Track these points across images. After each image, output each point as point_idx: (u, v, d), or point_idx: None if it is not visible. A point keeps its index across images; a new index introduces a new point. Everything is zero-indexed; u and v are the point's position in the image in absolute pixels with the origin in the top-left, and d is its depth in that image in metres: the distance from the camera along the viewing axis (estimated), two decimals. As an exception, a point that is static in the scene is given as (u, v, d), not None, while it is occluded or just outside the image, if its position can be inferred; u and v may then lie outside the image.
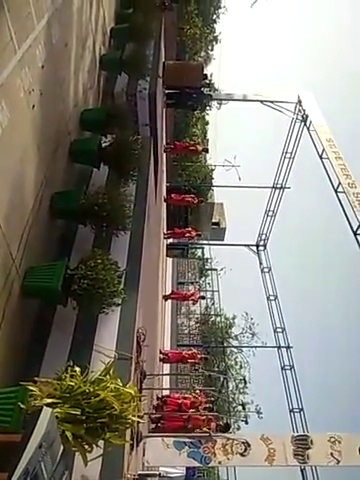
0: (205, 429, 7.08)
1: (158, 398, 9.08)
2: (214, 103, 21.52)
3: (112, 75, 9.27)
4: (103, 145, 6.59)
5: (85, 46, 7.47)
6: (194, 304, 17.29)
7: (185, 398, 9.18)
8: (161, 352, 11.84)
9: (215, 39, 27.57)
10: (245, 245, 19.28)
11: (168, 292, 15.26)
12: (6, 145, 4.12)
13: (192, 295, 15.95)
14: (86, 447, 3.32)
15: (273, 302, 16.87)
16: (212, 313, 21.74)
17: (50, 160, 5.48)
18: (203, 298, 17.10)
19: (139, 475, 5.19)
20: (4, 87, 3.96)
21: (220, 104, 23.13)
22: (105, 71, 8.99)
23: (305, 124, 13.36)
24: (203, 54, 27.28)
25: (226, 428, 7.57)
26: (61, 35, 5.71)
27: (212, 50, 28.30)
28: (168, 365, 13.16)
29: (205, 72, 15.03)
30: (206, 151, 16.93)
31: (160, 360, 11.43)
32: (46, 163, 5.32)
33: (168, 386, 12.75)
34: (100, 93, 8.75)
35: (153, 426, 7.78)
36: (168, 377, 12.84)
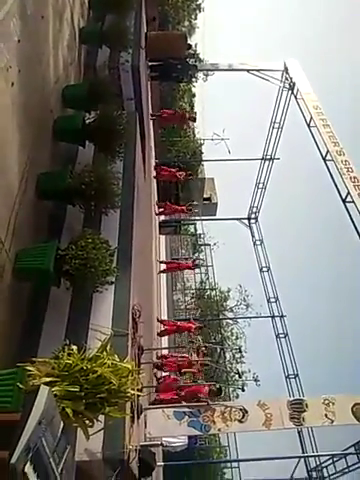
0: (200, 395, 7.26)
1: (158, 357, 9.28)
2: (200, 75, 21.05)
3: (93, 48, 8.94)
4: (87, 122, 6.44)
5: (63, 18, 7.16)
6: (193, 269, 17.14)
7: (183, 357, 9.40)
8: (158, 320, 12.00)
9: (198, 7, 26.62)
10: (237, 219, 19.31)
11: (162, 268, 15.28)
12: (-14, 126, 4.00)
13: (188, 265, 16.00)
14: (87, 422, 3.39)
15: (266, 273, 17.09)
16: (207, 287, 22.00)
17: (33, 140, 5.34)
18: (198, 266, 17.00)
19: (141, 446, 5.35)
20: (-21, 64, 3.82)
21: (206, 75, 22.65)
22: (85, 44, 8.66)
23: (292, 92, 13.14)
24: (186, 23, 26.43)
25: (218, 392, 7.77)
26: (36, 7, 5.46)
27: (195, 19, 27.40)
28: (166, 338, 13.38)
29: (189, 42, 14.59)
30: (193, 120, 16.62)
31: (158, 334, 11.61)
32: (29, 143, 5.19)
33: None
34: (81, 68, 8.47)
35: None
36: (166, 352, 13.05)
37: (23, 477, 2.28)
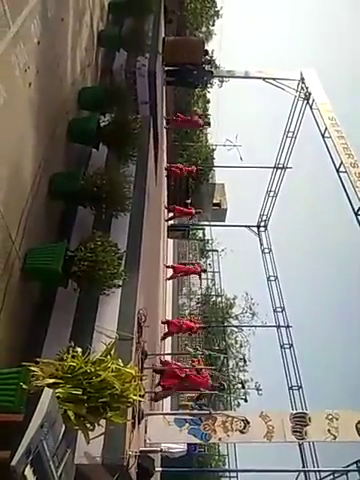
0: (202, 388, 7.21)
1: (161, 362, 9.25)
2: (215, 81, 21.09)
3: (110, 52, 9.03)
4: (102, 124, 6.48)
5: (82, 21, 7.24)
6: (199, 275, 17.06)
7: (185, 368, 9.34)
8: (163, 322, 11.96)
9: (216, 14, 26.69)
10: (246, 226, 19.23)
11: (169, 274, 15.26)
12: (3, 125, 4.04)
13: (195, 269, 15.94)
14: (88, 426, 3.38)
15: (273, 282, 16.96)
16: (213, 293, 21.90)
17: (48, 140, 5.39)
18: (205, 271, 16.94)
19: (141, 452, 5.31)
20: (-1, 64, 3.86)
21: (221, 82, 22.68)
22: (103, 47, 8.75)
23: (308, 102, 13.10)
24: (204, 29, 26.52)
25: (221, 388, 7.67)
26: (57, 9, 5.52)
27: (213, 25, 27.46)
28: (169, 342, 13.31)
29: (206, 48, 14.63)
30: (208, 125, 16.61)
31: (161, 338, 11.56)
32: (44, 143, 5.23)
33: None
34: (98, 71, 8.55)
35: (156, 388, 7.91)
36: (169, 358, 13.00)
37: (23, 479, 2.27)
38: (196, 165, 16.48)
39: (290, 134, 15.02)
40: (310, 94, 12.85)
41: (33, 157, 4.92)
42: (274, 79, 13.70)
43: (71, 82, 6.49)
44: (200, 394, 7.41)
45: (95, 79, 8.25)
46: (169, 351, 12.87)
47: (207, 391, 6.81)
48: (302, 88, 13.46)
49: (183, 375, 7.92)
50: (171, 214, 16.52)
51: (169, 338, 12.96)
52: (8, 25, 4.04)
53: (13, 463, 2.23)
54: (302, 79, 13.41)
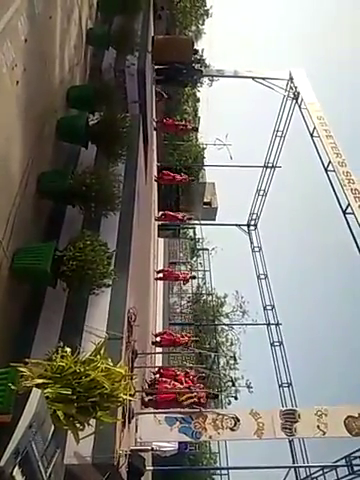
0: (196, 400, 7.21)
1: (154, 373, 9.22)
2: (205, 80, 21.13)
3: (99, 50, 8.98)
4: (90, 123, 6.44)
5: (71, 19, 7.19)
6: (184, 284, 17.44)
7: (178, 373, 9.33)
8: (155, 335, 11.95)
9: (206, 13, 26.75)
10: (236, 225, 19.31)
11: (160, 273, 15.30)
12: (-11, 123, 4.00)
13: (184, 276, 16.08)
14: (78, 425, 3.37)
15: (263, 281, 17.07)
16: (204, 292, 21.96)
17: (36, 139, 5.34)
18: (194, 278, 17.24)
19: (132, 450, 5.31)
20: (-15, 62, 3.81)
21: (211, 81, 22.73)
22: (92, 46, 8.70)
23: (296, 101, 13.19)
24: (194, 28, 26.54)
25: (215, 396, 7.67)
26: (44, 7, 5.47)
27: (203, 24, 27.52)
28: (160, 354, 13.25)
29: (195, 47, 14.64)
30: (196, 130, 16.68)
31: (152, 343, 11.52)
32: (32, 142, 5.18)
33: (160, 364, 12.94)
34: (87, 69, 8.49)
35: (147, 399, 7.88)
36: (160, 356, 13.01)
37: (11, 481, 2.26)
38: (188, 176, 16.55)
39: (279, 133, 15.11)
40: (299, 94, 12.95)
41: (21, 156, 4.88)
42: (263, 78, 13.76)
43: (59, 80, 6.44)
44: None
45: (84, 77, 8.20)
46: (159, 359, 12.75)
47: (203, 404, 6.80)
48: (291, 88, 13.55)
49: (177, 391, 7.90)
50: (163, 217, 16.55)
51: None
52: (-6, 22, 3.99)
53: (1, 464, 2.22)
54: (291, 79, 13.50)
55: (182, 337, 12.52)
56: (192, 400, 7.32)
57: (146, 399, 7.74)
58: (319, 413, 6.80)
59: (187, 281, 16.79)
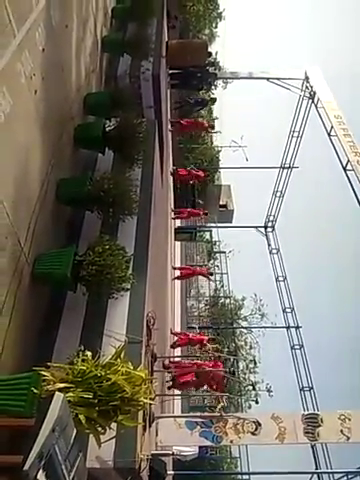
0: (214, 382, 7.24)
1: (170, 361, 9.27)
2: (220, 82, 21.09)
3: (115, 57, 9.10)
4: (107, 129, 6.52)
5: (86, 27, 7.31)
6: (207, 278, 17.24)
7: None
8: (172, 332, 12.00)
9: (219, 16, 26.76)
10: (253, 227, 19.17)
11: (177, 274, 15.27)
12: (10, 132, 4.09)
13: (202, 271, 16.03)
14: (99, 429, 3.39)
15: (282, 283, 16.87)
16: (221, 295, 21.85)
17: (55, 146, 5.44)
18: (211, 274, 17.09)
19: (152, 455, 5.31)
20: (5, 72, 3.90)
21: (226, 83, 22.68)
22: (107, 53, 8.82)
23: (313, 101, 13.04)
24: (207, 32, 26.57)
25: (232, 374, 7.70)
26: (61, 16, 5.58)
27: (216, 27, 27.52)
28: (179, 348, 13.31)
29: (209, 50, 14.64)
30: (212, 128, 16.61)
31: (171, 346, 11.57)
32: (51, 150, 5.28)
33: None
34: (103, 76, 8.61)
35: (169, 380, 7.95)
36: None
37: (36, 484, 2.29)
38: (204, 170, 16.47)
39: (296, 133, 14.97)
40: (315, 93, 12.80)
41: (40, 163, 4.97)
42: (278, 79, 13.67)
43: (76, 88, 6.55)
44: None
45: (100, 84, 8.31)
46: (179, 353, 12.85)
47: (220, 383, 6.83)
48: (307, 87, 13.41)
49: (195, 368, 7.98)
50: (178, 213, 16.51)
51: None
52: (13, 34, 4.09)
53: (26, 467, 2.25)
54: (306, 78, 13.36)
55: (199, 335, 12.52)
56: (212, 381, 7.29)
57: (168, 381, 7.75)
58: (343, 417, 6.65)
59: (209, 275, 16.66)
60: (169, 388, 8.03)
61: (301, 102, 13.99)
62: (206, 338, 11.92)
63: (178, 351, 12.95)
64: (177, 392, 9.36)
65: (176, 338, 12.05)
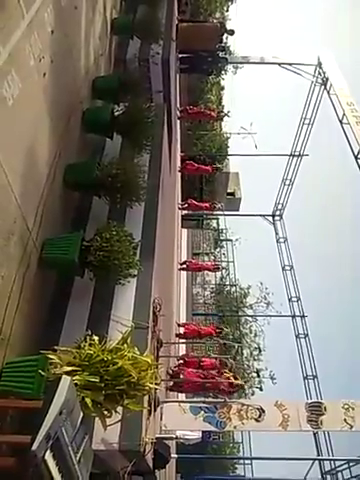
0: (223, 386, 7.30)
1: (178, 359, 9.32)
2: (230, 67, 20.75)
3: (124, 40, 8.94)
4: (116, 114, 6.45)
5: (95, 9, 7.18)
6: (214, 271, 17.28)
7: (204, 360, 9.40)
8: (179, 325, 12.02)
9: (231, -2, 26.13)
10: (261, 215, 19.08)
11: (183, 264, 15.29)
12: (19, 116, 4.05)
13: (209, 266, 16.03)
14: (105, 413, 3.44)
15: (288, 272, 16.85)
16: (227, 283, 21.90)
17: (63, 130, 5.40)
18: (218, 269, 17.13)
19: (157, 438, 5.39)
20: (14, 55, 3.84)
21: (236, 68, 22.30)
22: (117, 36, 8.67)
23: (325, 87, 12.79)
24: (218, 15, 25.99)
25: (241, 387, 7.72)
26: (70, -3, 5.48)
27: (227, 10, 26.91)
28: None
29: (223, 32, 14.30)
30: (221, 119, 16.38)
31: (176, 336, 11.59)
32: (59, 134, 5.24)
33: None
34: (112, 59, 8.49)
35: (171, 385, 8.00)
36: (183, 346, 13.10)
37: (43, 464, 2.33)
38: (212, 165, 16.25)
39: (307, 121, 14.74)
40: (327, 79, 12.54)
41: (48, 148, 4.94)
42: (290, 64, 13.40)
43: (85, 71, 6.46)
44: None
45: (109, 68, 8.20)
46: (183, 351, 12.84)
47: (226, 398, 6.87)
48: (319, 73, 13.14)
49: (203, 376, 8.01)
50: (186, 206, 16.40)
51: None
52: (22, 15, 4.02)
53: (34, 448, 2.29)
54: (319, 64, 13.08)
55: (207, 327, 12.54)
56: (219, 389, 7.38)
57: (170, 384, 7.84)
58: (346, 406, 6.69)
59: (217, 269, 16.66)
60: (171, 390, 8.03)
61: (313, 88, 13.74)
62: (214, 331, 11.94)
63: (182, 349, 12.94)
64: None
65: (183, 329, 12.06)
